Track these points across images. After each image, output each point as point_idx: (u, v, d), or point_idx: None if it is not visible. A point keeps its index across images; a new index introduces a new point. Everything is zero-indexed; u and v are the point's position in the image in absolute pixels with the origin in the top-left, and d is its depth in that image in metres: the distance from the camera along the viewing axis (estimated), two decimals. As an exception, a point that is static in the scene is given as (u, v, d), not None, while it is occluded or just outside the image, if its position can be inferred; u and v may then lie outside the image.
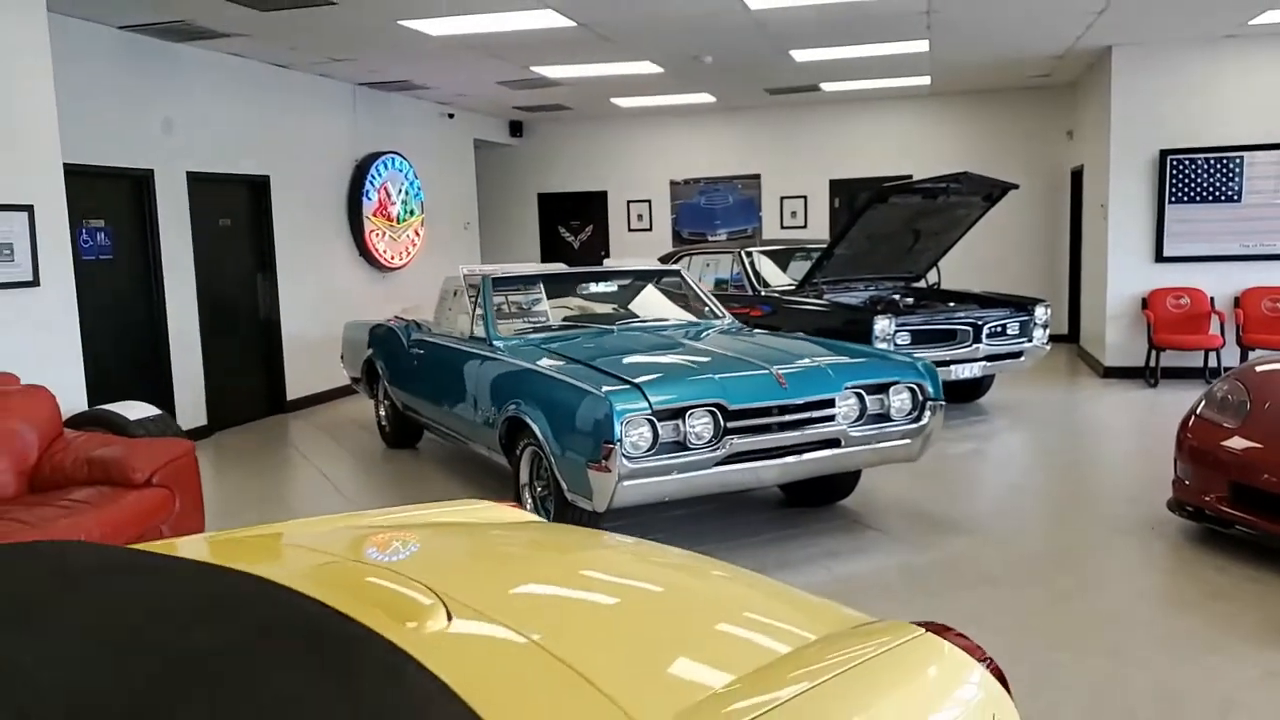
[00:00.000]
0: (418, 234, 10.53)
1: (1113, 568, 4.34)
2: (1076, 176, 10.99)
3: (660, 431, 4.15)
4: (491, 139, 12.70)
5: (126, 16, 6.57)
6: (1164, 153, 8.82)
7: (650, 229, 13.19)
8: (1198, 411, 4.78)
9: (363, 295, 9.65)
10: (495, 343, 5.35)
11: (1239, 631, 3.59)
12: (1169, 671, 3.31)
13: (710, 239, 12.80)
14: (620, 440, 4.03)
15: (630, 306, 6.17)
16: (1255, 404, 4.55)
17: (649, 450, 4.13)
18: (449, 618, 1.55)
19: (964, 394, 8.07)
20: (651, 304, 6.19)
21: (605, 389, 4.15)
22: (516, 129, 13.22)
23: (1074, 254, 11.31)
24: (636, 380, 4.24)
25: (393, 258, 10.07)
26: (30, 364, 4.89)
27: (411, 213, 10.39)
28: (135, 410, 4.94)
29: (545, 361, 4.84)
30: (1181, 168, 8.81)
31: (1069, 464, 6.29)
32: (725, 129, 12.70)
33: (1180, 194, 8.85)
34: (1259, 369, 4.92)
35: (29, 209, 4.96)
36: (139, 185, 7.10)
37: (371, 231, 9.68)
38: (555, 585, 1.89)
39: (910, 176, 11.51)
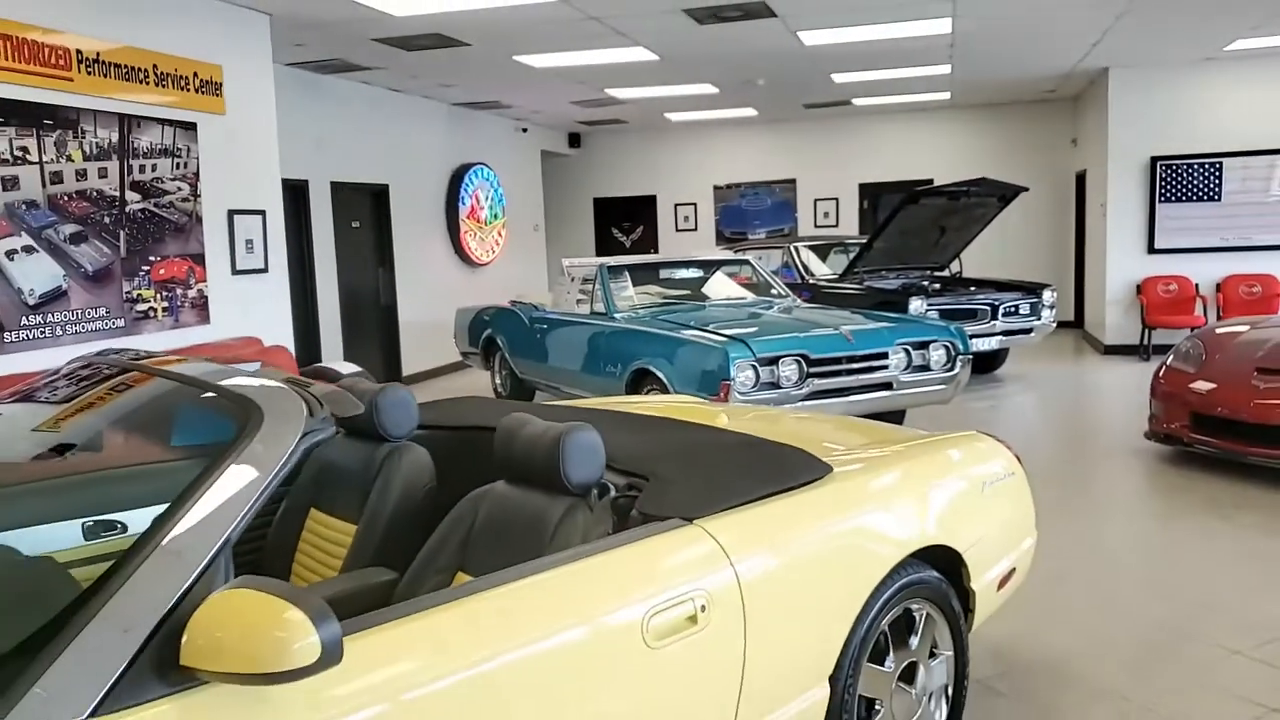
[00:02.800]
0: (500, 234, 12.00)
1: (1101, 475, 5.75)
2: (1080, 179, 12.37)
3: (760, 374, 5.60)
4: (554, 150, 14.17)
5: (294, 56, 8.05)
6: (1155, 159, 10.21)
7: (695, 229, 14.64)
8: (1167, 363, 6.19)
9: (458, 287, 11.12)
10: (615, 315, 6.81)
11: (1189, 509, 5.01)
12: (1135, 528, 4.73)
13: (750, 237, 14.22)
14: (734, 379, 5.47)
15: (713, 288, 7.60)
16: (1209, 355, 5.96)
17: (753, 388, 5.57)
18: (727, 419, 3.03)
19: (982, 366, 9.47)
20: (730, 286, 7.63)
21: (721, 342, 5.60)
22: (575, 140, 14.70)
23: (1078, 247, 12.69)
24: (742, 336, 5.69)
25: (481, 255, 11.55)
26: (262, 332, 6.36)
27: (496, 216, 11.86)
28: (345, 368, 6.41)
29: (661, 327, 6.28)
30: (1170, 171, 10.21)
31: (1070, 414, 7.69)
32: (765, 138, 14.14)
33: (1169, 194, 10.24)
34: (1216, 331, 6.33)
35: (262, 213, 6.44)
36: (297, 193, 8.59)
37: (465, 232, 11.15)
38: (760, 418, 3.36)
39: (932, 181, 12.91)
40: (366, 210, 9.76)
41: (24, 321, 4.80)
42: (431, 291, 10.62)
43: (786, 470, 2.34)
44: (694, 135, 14.35)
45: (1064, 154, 12.90)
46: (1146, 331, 10.20)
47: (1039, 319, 9.05)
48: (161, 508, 1.43)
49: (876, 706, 2.40)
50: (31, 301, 4.83)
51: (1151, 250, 10.37)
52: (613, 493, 2.19)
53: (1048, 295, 9.07)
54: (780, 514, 2.19)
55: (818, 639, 2.19)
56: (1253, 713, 2.94)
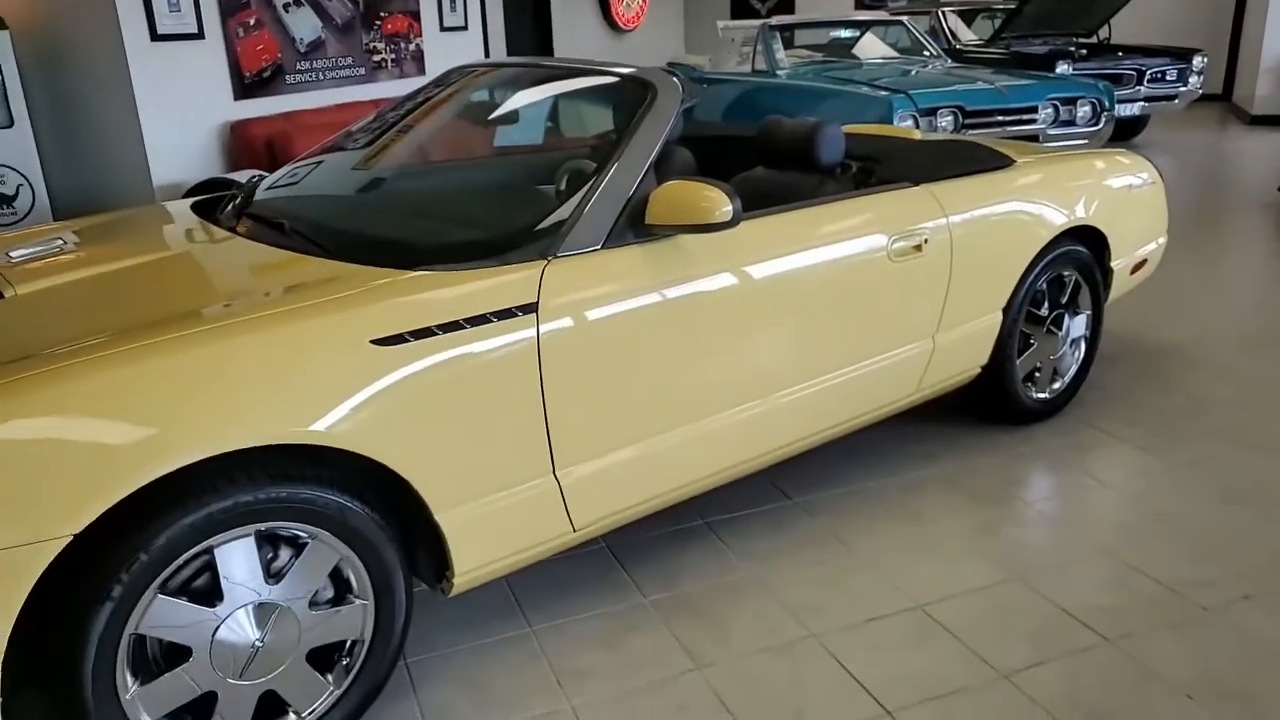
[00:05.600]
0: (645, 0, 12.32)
1: (1229, 221, 6.27)
2: (1249, -61, 11.79)
3: (919, 124, 6.19)
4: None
5: None
6: (1334, -85, 9.76)
7: (834, -4, 14.51)
8: (1311, 121, 6.51)
9: (605, 51, 11.65)
10: (777, 73, 7.37)
11: (1307, 249, 5.57)
12: (1254, 260, 5.35)
13: (890, 4, 14.08)
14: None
15: (866, 48, 8.02)
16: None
17: (910, 136, 6.18)
18: (919, 135, 3.74)
19: (1123, 133, 9.69)
20: (883, 46, 8.03)
21: (883, 93, 6.18)
22: (714, -99, 14.48)
23: (1237, 14, 12.26)
24: (903, 88, 6.24)
25: (628, 21, 11.96)
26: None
27: (641, -19, 12.15)
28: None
29: (823, 81, 6.85)
30: (1349, -71, 9.76)
31: (1207, 174, 8.04)
32: (912, -103, 13.68)
33: (1344, -46, 9.84)
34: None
35: (462, -28, 7.10)
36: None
37: (614, -3, 11.55)
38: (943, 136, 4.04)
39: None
40: (527, -26, 10.26)
41: (298, 66, 5.73)
42: (581, 54, 11.19)
43: (980, 158, 3.10)
44: (838, -106, 13.97)
45: (1235, -89, 12.20)
46: (1297, 101, 10.14)
47: (1185, 85, 9.15)
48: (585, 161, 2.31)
49: (1031, 341, 3.26)
50: (302, 49, 5.73)
51: (1316, 16, 10.10)
52: (853, 169, 3.01)
53: (1197, 61, 9.12)
54: (977, 186, 2.97)
55: (997, 279, 3.02)
56: (1330, 379, 3.71)
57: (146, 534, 1.65)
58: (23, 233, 2.75)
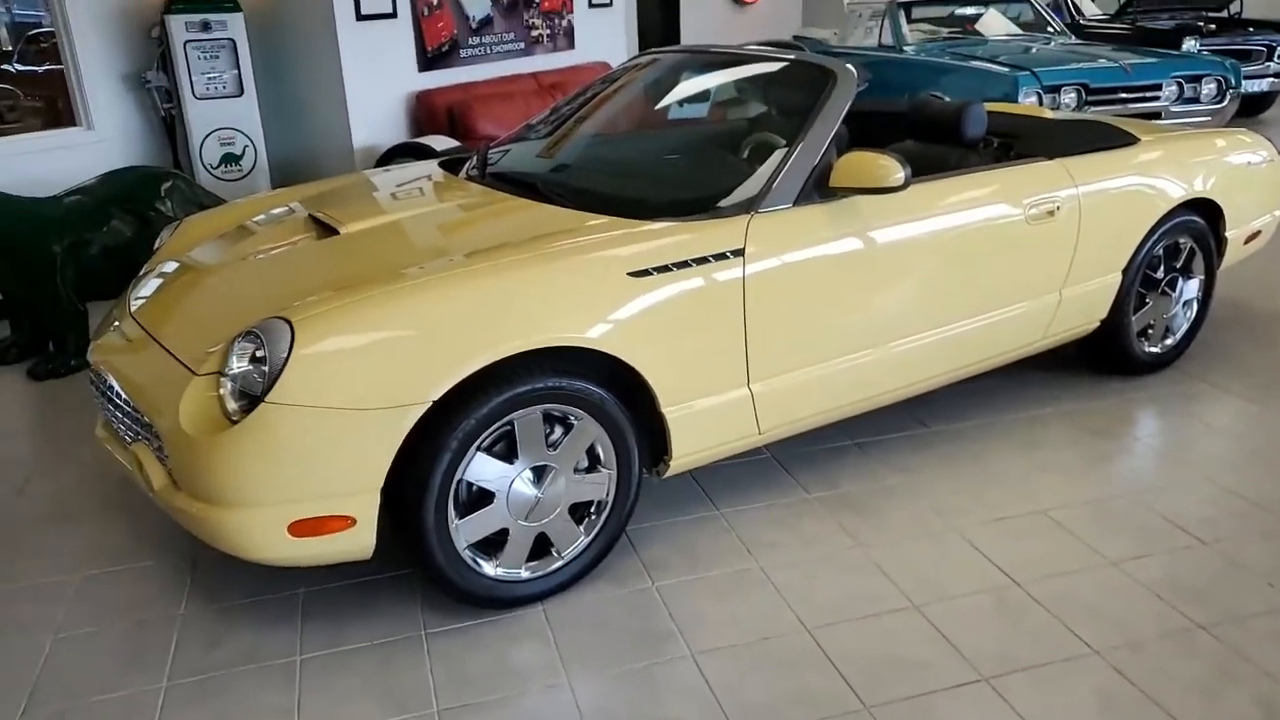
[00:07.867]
0: (767, -27, 12.67)
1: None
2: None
3: (1043, 101, 6.49)
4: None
5: None
6: None
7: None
8: None
9: (727, 25, 12.06)
10: (905, 48, 7.71)
11: None
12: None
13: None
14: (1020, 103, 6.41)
15: (989, 25, 8.27)
16: None
17: (1034, 112, 6.49)
18: (1050, 113, 4.15)
19: (1250, 109, 9.68)
20: (1006, 23, 8.28)
21: (1010, 70, 6.50)
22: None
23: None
24: (1027, 65, 6.55)
25: (751, -6, 12.35)
26: (609, 58, 7.73)
27: (765, -46, 12.49)
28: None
29: (949, 58, 7.18)
30: None
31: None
32: None
33: None
34: None
35: (609, -47, 7.62)
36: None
37: (738, -29, 11.93)
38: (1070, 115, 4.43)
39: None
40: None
41: (470, 41, 6.36)
42: (706, 30, 11.64)
43: (1108, 136, 3.51)
44: None
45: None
46: None
47: (1318, 62, 9.10)
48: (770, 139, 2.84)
49: (1147, 300, 3.67)
50: (474, 26, 6.37)
51: None
52: (994, 144, 3.46)
53: (1332, 37, 9.05)
54: (1104, 161, 3.39)
55: (1118, 243, 3.44)
56: None
57: (475, 405, 2.26)
58: (281, 191, 3.43)
